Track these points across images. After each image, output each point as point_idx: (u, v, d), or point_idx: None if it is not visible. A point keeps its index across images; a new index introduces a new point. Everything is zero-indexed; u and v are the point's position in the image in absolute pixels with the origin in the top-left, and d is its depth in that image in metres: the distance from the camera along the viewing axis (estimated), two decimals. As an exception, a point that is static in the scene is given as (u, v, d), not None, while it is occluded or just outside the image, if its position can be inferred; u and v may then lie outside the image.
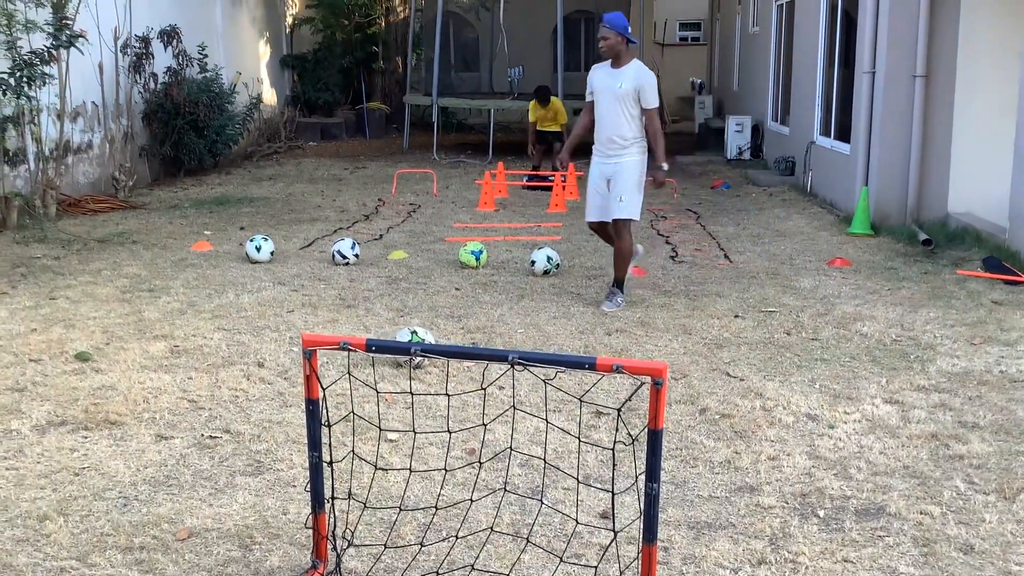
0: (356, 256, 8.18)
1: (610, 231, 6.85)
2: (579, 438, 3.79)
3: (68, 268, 7.92)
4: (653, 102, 6.54)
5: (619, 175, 6.60)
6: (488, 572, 3.36)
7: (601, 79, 6.66)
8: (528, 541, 3.54)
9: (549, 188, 11.94)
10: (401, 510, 3.75)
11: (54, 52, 9.73)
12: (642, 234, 9.56)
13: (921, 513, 3.79)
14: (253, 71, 17.10)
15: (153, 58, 12.65)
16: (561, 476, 4.11)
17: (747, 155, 16.02)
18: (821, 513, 3.81)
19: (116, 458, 4.29)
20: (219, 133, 13.55)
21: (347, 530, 3.55)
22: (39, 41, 9.60)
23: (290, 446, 4.43)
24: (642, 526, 2.90)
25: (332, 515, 3.36)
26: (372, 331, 6.20)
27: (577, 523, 3.61)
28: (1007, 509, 3.83)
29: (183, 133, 13.01)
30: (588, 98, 6.80)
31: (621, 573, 3.29)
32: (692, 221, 10.58)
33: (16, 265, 7.99)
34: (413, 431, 3.87)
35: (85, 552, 3.49)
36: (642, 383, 2.96)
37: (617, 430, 4.51)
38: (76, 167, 11.31)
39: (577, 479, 3.74)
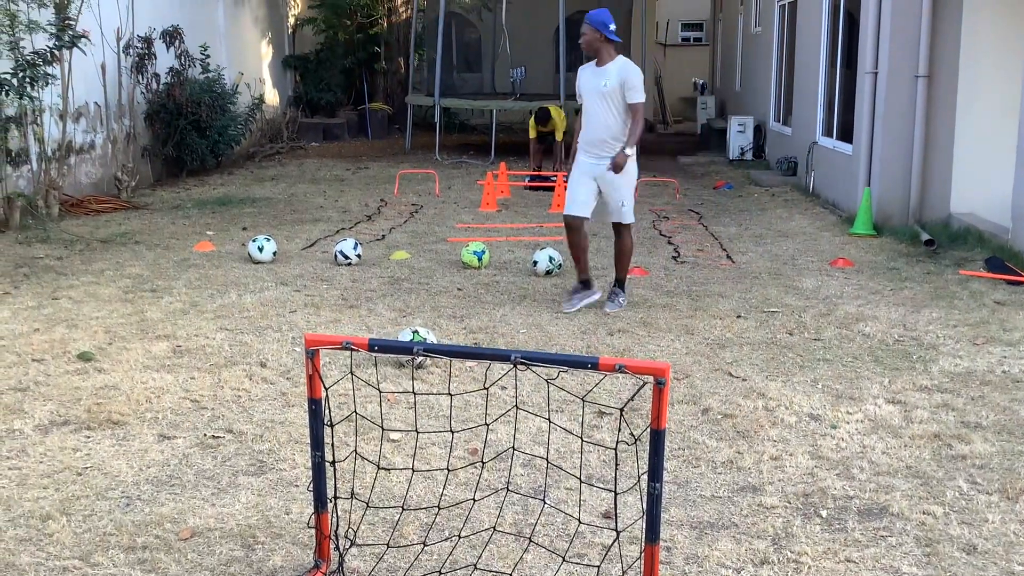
0: (358, 256, 8.18)
1: (586, 230, 6.79)
2: (582, 438, 3.80)
3: (71, 268, 7.92)
4: (638, 97, 6.37)
5: (618, 178, 6.46)
6: (491, 572, 3.36)
7: (587, 79, 6.54)
8: (531, 541, 3.54)
9: (551, 189, 11.94)
10: (403, 510, 3.75)
11: (56, 52, 9.74)
12: (644, 234, 9.57)
13: (924, 513, 3.79)
14: (255, 71, 17.10)
15: (155, 58, 12.64)
16: (564, 476, 4.11)
17: (749, 155, 16.02)
18: (824, 513, 3.81)
19: (119, 458, 4.30)
20: (221, 133, 13.55)
21: (350, 530, 3.54)
22: (42, 41, 9.60)
23: (293, 446, 4.43)
24: (644, 526, 2.90)
25: (335, 515, 3.36)
26: (374, 331, 6.21)
27: (580, 523, 3.61)
28: (1010, 509, 3.83)
29: (185, 133, 13.01)
30: (579, 100, 6.68)
31: (624, 573, 3.29)
32: (694, 221, 10.58)
33: (19, 265, 8.00)
34: (416, 431, 3.87)
35: (88, 552, 3.49)
36: (645, 383, 2.97)
37: (620, 430, 4.50)
38: (79, 167, 11.32)
39: (580, 479, 3.75)
